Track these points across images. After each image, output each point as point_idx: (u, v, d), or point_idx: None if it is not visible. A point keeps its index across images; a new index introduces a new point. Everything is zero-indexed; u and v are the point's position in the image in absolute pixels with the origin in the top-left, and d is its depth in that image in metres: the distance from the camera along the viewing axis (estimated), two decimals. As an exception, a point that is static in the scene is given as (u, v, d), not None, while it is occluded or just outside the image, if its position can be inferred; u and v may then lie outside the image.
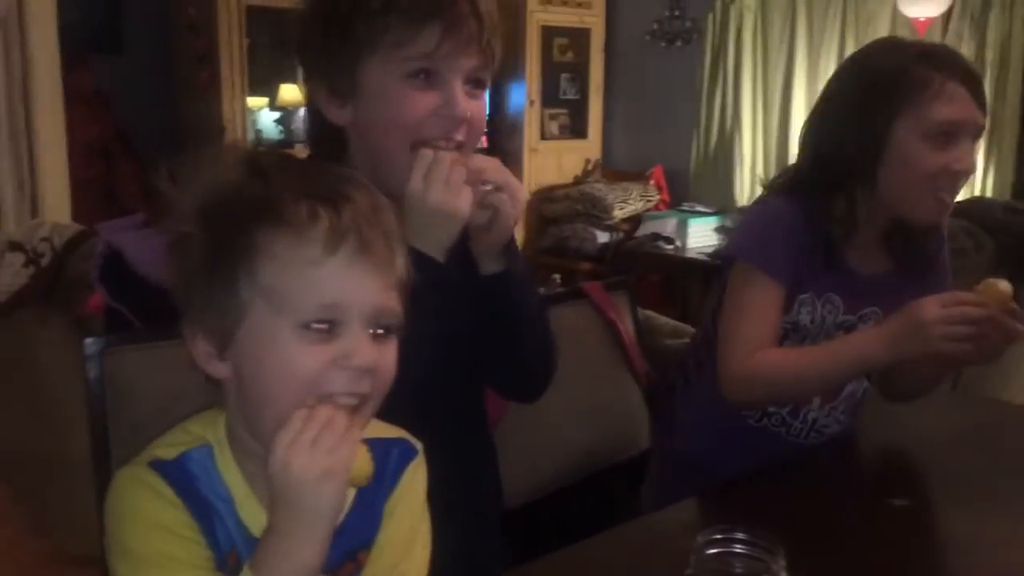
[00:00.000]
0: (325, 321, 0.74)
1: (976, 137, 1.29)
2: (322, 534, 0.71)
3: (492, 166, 1.02)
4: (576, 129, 5.47)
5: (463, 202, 0.98)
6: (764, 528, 0.78)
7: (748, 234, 1.38)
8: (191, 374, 0.80)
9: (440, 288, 0.96)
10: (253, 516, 0.77)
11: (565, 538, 1.04)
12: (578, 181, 5.31)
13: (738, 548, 0.76)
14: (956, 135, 1.25)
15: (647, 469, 1.55)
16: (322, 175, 0.80)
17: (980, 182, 3.91)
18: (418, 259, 0.91)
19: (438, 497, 0.88)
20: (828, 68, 4.31)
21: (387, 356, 0.77)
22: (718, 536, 0.76)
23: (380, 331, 0.76)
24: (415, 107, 1.02)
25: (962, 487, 1.26)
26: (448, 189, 0.97)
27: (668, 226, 4.39)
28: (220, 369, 0.77)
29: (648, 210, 4.88)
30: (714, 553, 0.76)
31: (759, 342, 1.27)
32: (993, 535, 1.10)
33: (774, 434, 1.40)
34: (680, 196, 4.94)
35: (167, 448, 0.79)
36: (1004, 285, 1.16)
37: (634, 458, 1.59)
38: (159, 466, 0.76)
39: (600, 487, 1.56)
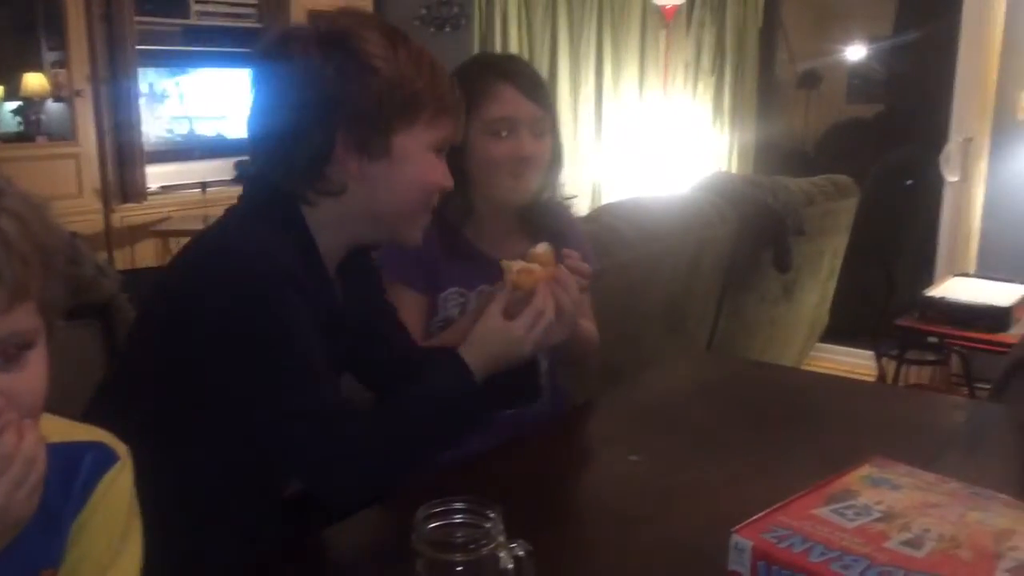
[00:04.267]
0: None
1: (536, 128, 1.49)
2: None
3: (573, 293, 1.20)
4: (350, 116, 5.39)
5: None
6: (490, 497, 0.80)
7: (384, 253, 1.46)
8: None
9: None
10: None
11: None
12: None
13: (458, 518, 0.78)
14: (513, 128, 1.46)
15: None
16: None
17: (726, 158, 4.23)
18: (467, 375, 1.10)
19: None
20: (589, 56, 4.51)
21: (22, 378, 0.69)
22: (437, 508, 0.77)
23: (10, 352, 0.68)
24: (443, 175, 1.19)
25: (698, 438, 1.36)
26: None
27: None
28: None
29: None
30: (434, 526, 0.77)
31: None
32: (717, 479, 1.19)
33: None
34: (456, 180, 4.98)
35: None
36: (543, 247, 1.25)
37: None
38: None
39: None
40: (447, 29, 5.14)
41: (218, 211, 1.19)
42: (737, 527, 0.92)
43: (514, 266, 1.17)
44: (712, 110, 4.23)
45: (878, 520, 0.93)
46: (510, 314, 1.15)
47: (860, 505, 0.96)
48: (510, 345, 1.14)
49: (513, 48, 4.77)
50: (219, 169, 4.83)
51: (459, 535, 0.77)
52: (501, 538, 0.76)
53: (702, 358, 2.15)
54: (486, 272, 1.40)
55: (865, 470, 1.05)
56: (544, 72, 4.72)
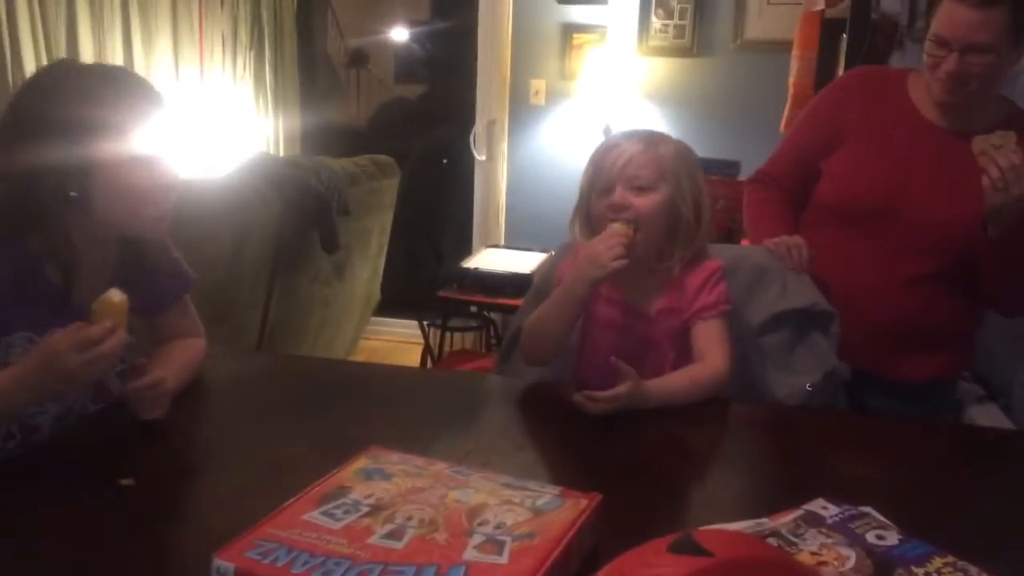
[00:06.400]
0: None
1: None
2: None
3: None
4: None
5: None
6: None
7: None
8: None
9: None
10: None
11: None
12: None
13: None
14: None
15: None
16: None
17: (272, 140, 4.15)
18: None
19: None
20: (114, 26, 4.09)
21: None
22: None
23: None
24: None
25: (205, 448, 1.28)
26: None
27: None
28: None
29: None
30: None
31: None
32: (221, 494, 1.13)
33: None
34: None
35: None
36: (117, 296, 1.21)
37: None
38: None
39: None
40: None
41: None
42: (219, 549, 0.87)
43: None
44: (254, 89, 4.11)
45: (366, 515, 0.94)
46: None
47: (351, 502, 0.96)
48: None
49: (22, 16, 4.17)
50: None
51: None
52: None
53: (261, 359, 2.07)
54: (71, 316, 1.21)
55: (360, 462, 1.06)
56: (62, 44, 4.20)
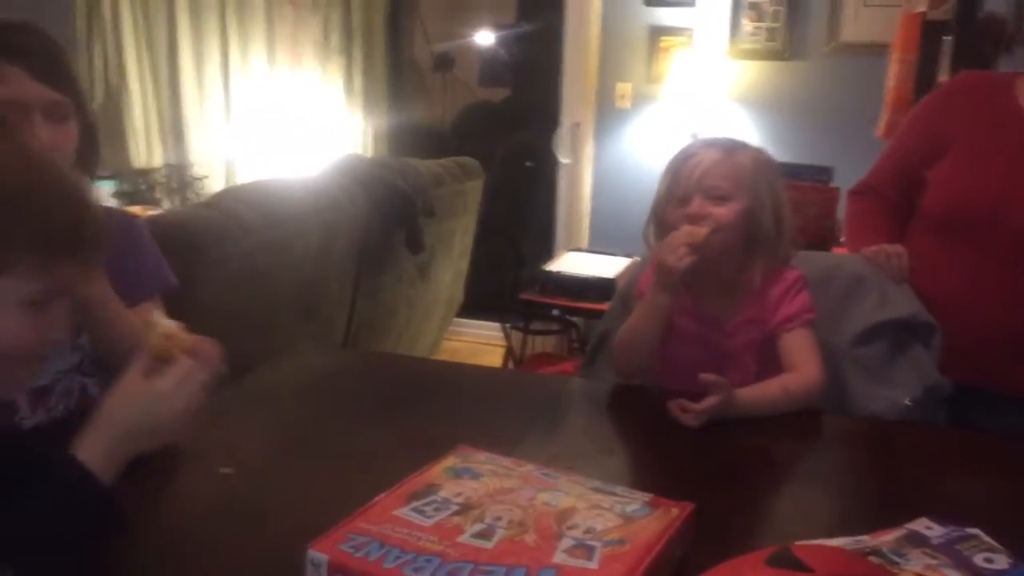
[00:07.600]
0: None
1: (54, 112, 1.24)
2: None
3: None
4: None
5: None
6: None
7: None
8: None
9: None
10: None
11: None
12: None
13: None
14: (23, 113, 1.20)
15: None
16: None
17: (360, 141, 4.21)
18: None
19: None
20: (210, 23, 4.23)
21: None
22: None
23: None
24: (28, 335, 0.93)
25: (300, 439, 1.30)
26: None
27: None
28: None
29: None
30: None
31: None
32: (315, 486, 1.15)
33: None
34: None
35: None
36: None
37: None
38: None
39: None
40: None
41: None
42: (314, 541, 0.88)
43: (158, 326, 0.94)
44: (344, 91, 4.18)
45: (455, 514, 0.94)
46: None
47: (440, 500, 0.97)
48: (154, 403, 0.93)
49: (126, 18, 4.34)
50: None
51: None
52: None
53: (349, 354, 2.10)
54: None
55: (449, 461, 1.06)
56: (163, 44, 4.36)
